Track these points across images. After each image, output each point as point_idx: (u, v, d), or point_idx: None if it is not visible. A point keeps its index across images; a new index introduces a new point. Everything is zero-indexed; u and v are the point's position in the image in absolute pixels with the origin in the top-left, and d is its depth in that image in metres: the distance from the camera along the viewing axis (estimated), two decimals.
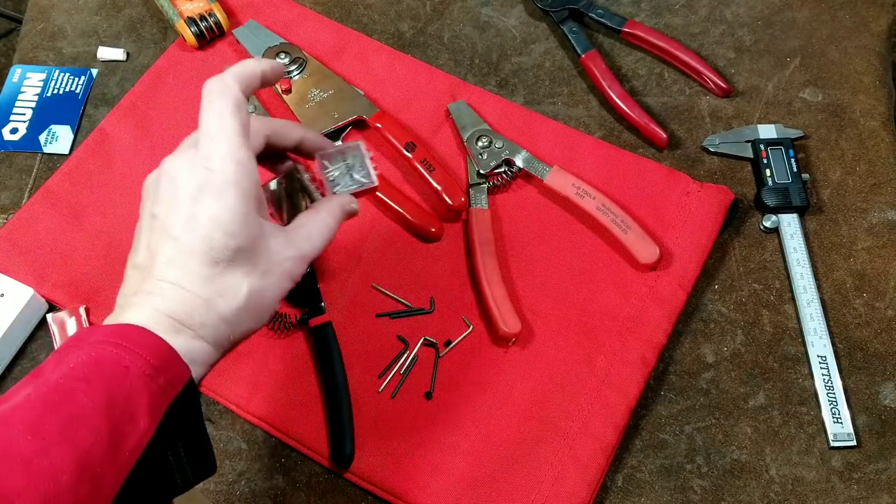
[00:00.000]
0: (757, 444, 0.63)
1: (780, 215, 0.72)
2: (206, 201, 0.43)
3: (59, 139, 0.76)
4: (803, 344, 0.67)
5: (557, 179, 0.71)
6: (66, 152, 0.75)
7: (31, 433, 0.36)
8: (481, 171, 0.72)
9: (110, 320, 0.44)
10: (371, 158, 0.53)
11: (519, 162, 0.72)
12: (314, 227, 0.49)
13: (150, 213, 0.46)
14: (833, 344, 0.67)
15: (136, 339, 0.41)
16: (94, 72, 0.80)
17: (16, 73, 0.79)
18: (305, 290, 0.66)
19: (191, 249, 0.43)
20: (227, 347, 0.46)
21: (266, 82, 0.48)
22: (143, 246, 0.46)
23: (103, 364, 0.39)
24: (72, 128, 0.76)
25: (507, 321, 0.65)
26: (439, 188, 0.70)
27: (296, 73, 0.76)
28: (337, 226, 0.50)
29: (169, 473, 0.42)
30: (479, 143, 0.73)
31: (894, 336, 0.67)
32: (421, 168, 0.71)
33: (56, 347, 0.65)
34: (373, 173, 0.53)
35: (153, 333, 0.41)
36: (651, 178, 0.73)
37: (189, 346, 0.43)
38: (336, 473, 0.62)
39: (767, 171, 0.73)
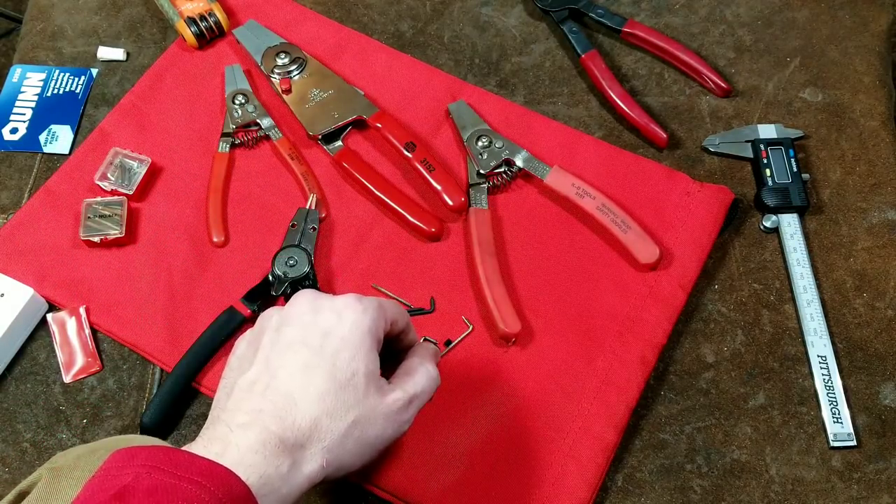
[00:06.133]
0: (757, 444, 0.63)
1: (780, 215, 0.72)
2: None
3: (59, 139, 0.76)
4: (803, 344, 0.67)
5: (557, 179, 0.71)
6: (66, 152, 0.75)
7: None
8: (481, 171, 0.72)
9: (208, 437, 0.44)
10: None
11: (519, 162, 0.72)
12: (419, 372, 0.51)
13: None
14: (833, 344, 0.67)
15: (238, 496, 0.40)
16: (94, 72, 0.80)
17: (16, 73, 0.79)
18: None
19: (314, 365, 0.46)
20: (316, 478, 0.45)
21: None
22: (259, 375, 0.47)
23: None
24: (72, 128, 0.76)
25: (507, 321, 0.65)
26: (439, 188, 0.70)
27: (296, 73, 0.76)
28: (436, 370, 0.53)
29: None
30: (479, 143, 0.73)
31: (894, 336, 0.67)
32: (421, 168, 0.71)
33: (56, 348, 0.65)
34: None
35: (254, 497, 0.41)
36: (651, 178, 0.73)
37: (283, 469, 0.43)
38: None
39: (767, 171, 0.73)
